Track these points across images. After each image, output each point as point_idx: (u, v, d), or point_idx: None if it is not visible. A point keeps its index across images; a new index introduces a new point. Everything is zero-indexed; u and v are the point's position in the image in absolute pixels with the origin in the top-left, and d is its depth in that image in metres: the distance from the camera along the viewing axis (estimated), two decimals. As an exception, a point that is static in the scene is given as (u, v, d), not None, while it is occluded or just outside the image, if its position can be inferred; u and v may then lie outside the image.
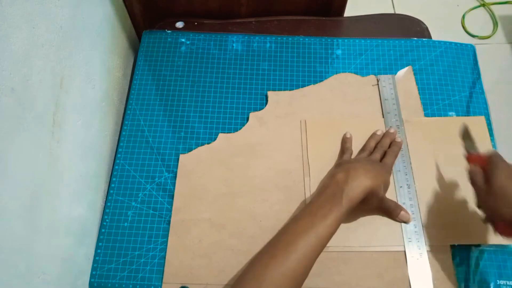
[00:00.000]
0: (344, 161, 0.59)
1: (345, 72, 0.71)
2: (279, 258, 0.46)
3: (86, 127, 0.58)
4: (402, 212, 0.57)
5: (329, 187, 0.52)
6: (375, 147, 0.62)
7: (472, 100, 0.69)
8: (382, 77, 0.70)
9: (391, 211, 0.58)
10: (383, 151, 0.61)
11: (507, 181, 0.47)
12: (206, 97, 0.70)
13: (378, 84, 0.69)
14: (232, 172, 0.62)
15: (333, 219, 0.48)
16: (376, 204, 0.55)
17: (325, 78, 0.71)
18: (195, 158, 0.64)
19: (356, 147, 0.63)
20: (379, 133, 0.63)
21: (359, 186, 0.51)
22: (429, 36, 0.76)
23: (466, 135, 0.54)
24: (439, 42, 0.74)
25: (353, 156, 0.62)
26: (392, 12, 1.47)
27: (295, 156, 0.64)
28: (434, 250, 0.57)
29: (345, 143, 0.63)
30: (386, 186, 0.56)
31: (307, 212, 0.50)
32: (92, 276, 0.57)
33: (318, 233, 0.47)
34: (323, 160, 0.63)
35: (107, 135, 0.66)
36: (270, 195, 0.61)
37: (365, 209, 0.57)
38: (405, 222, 0.58)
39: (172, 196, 0.61)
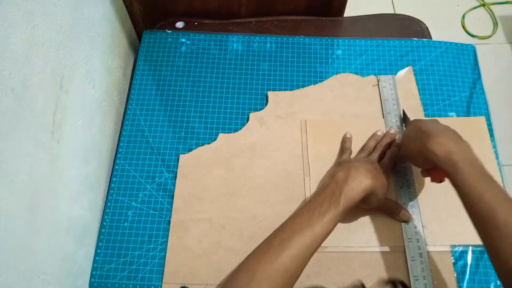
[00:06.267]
0: (344, 160, 0.59)
1: (346, 72, 0.71)
2: (273, 253, 0.46)
3: (86, 127, 0.58)
4: (403, 211, 0.57)
5: (329, 186, 0.52)
6: (375, 147, 0.62)
7: (472, 100, 0.69)
8: (383, 77, 0.70)
9: (391, 211, 0.58)
10: (382, 151, 0.61)
11: (409, 129, 0.56)
12: (206, 97, 0.69)
13: (378, 85, 0.69)
14: (232, 172, 0.62)
15: (330, 218, 0.48)
16: (375, 204, 0.55)
17: (325, 78, 0.71)
18: (195, 158, 0.64)
19: (356, 147, 0.63)
20: (379, 133, 0.63)
21: (359, 186, 0.51)
22: (429, 36, 0.76)
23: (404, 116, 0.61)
24: (439, 42, 0.74)
25: (352, 156, 0.62)
26: (392, 12, 1.47)
27: (295, 156, 0.63)
28: (434, 250, 0.57)
29: (345, 142, 0.63)
30: (385, 187, 0.56)
31: (305, 209, 0.50)
32: (92, 276, 0.57)
33: (314, 231, 0.47)
34: (323, 160, 0.63)
35: (107, 135, 0.66)
36: (270, 195, 0.61)
37: (365, 209, 0.57)
38: (405, 222, 0.58)
39: (172, 196, 0.61)
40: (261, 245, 0.49)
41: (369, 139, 0.63)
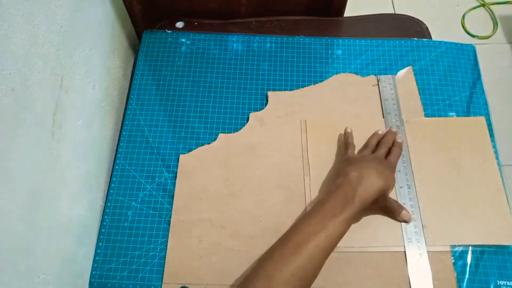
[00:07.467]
0: (353, 158, 0.58)
1: (346, 72, 0.71)
2: (289, 257, 0.46)
3: (86, 127, 0.58)
4: (404, 212, 0.57)
5: (342, 186, 0.51)
6: (377, 144, 0.61)
7: (472, 100, 0.69)
8: (383, 77, 0.70)
9: (393, 210, 0.57)
10: (387, 147, 0.60)
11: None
12: (206, 97, 0.69)
13: (378, 85, 0.69)
14: (232, 172, 0.62)
15: (344, 219, 0.48)
16: (381, 203, 0.55)
17: (325, 78, 0.71)
18: (195, 158, 0.64)
19: (356, 147, 0.63)
20: (380, 132, 0.63)
21: (372, 187, 0.51)
22: (429, 36, 0.76)
23: None
24: (439, 42, 0.74)
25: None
26: (392, 12, 1.47)
27: (295, 156, 0.63)
28: (434, 250, 0.57)
29: (348, 138, 0.62)
30: (392, 186, 0.55)
31: (318, 211, 0.50)
32: (92, 276, 0.57)
33: (329, 233, 0.47)
34: (323, 160, 0.62)
35: (107, 135, 0.66)
36: (270, 195, 0.61)
37: (370, 208, 0.57)
38: (406, 222, 0.58)
39: (172, 196, 0.61)
40: (275, 249, 0.49)
41: (371, 137, 0.63)
